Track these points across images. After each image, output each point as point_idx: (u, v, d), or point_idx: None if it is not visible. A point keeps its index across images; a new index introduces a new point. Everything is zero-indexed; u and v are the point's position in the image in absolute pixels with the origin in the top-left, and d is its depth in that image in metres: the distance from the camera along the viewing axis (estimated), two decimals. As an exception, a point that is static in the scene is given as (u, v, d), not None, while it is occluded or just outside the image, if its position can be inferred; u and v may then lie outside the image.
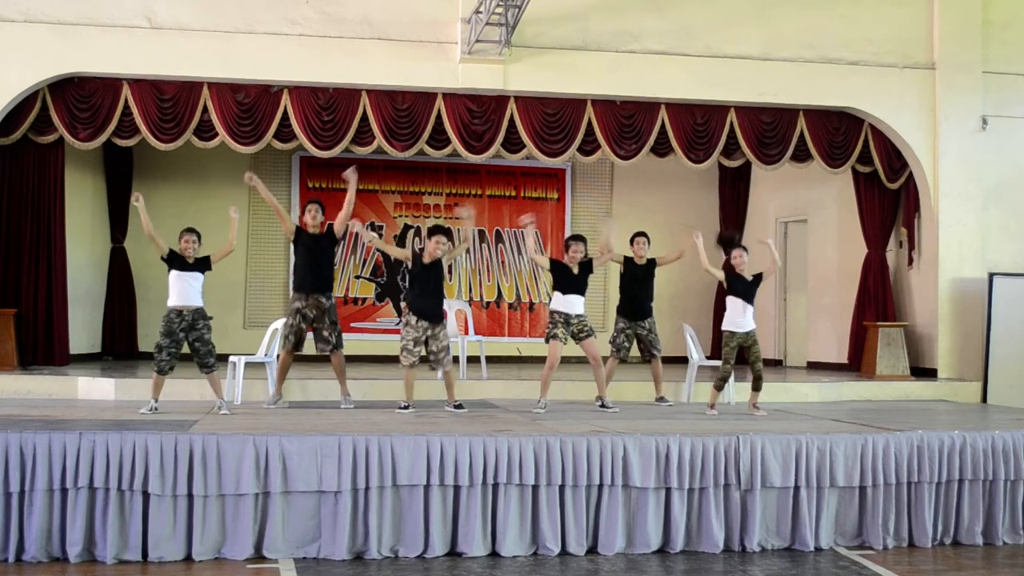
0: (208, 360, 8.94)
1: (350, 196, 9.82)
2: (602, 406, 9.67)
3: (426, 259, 9.13)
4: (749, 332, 9.55)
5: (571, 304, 9.68)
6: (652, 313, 10.51)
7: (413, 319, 9.05)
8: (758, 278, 9.66)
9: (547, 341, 9.66)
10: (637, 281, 10.39)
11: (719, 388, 9.78)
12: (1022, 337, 12.55)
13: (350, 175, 9.68)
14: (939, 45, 12.97)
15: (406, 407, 9.07)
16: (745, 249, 9.73)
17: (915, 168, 13.09)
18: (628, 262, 10.41)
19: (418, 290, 9.15)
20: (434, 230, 9.33)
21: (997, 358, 12.54)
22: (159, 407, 8.78)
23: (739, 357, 9.71)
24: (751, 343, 9.55)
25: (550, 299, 10.04)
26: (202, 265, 9.05)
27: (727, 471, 7.37)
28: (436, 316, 9.11)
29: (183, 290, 8.87)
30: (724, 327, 9.68)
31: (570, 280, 9.68)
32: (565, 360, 15.45)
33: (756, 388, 9.66)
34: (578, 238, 9.83)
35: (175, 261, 8.93)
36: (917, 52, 13.02)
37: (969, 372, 12.71)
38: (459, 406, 9.23)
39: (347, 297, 15.45)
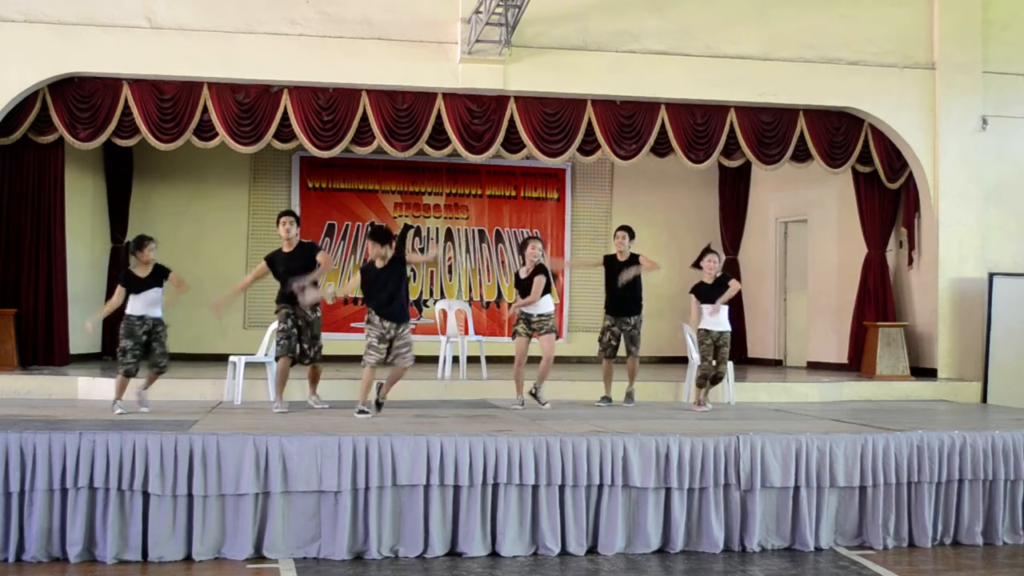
0: (161, 361, 9.10)
1: (350, 286, 9.96)
2: (533, 395, 9.86)
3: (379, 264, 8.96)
4: (722, 332, 9.86)
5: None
6: (640, 311, 10.36)
7: (376, 319, 8.95)
8: (720, 281, 9.97)
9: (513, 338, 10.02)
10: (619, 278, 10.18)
11: (700, 385, 10.03)
12: (1022, 337, 12.55)
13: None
14: (939, 45, 12.97)
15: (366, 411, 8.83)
16: (716, 254, 10.13)
17: (915, 168, 13.09)
18: (610, 260, 10.36)
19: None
20: (374, 235, 8.99)
21: (997, 358, 12.53)
22: (123, 409, 8.79)
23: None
24: (722, 344, 9.85)
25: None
26: (159, 276, 9.10)
27: (727, 471, 7.37)
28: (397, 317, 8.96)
29: (144, 303, 9.00)
30: (699, 326, 10.02)
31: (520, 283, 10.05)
32: (565, 360, 15.55)
33: (713, 383, 10.09)
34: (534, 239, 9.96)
35: (130, 284, 8.97)
36: (917, 52, 13.02)
37: (969, 372, 12.71)
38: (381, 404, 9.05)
39: (347, 297, 15.43)
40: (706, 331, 9.87)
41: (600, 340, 10.36)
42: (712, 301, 9.81)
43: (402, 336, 8.93)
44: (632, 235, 10.27)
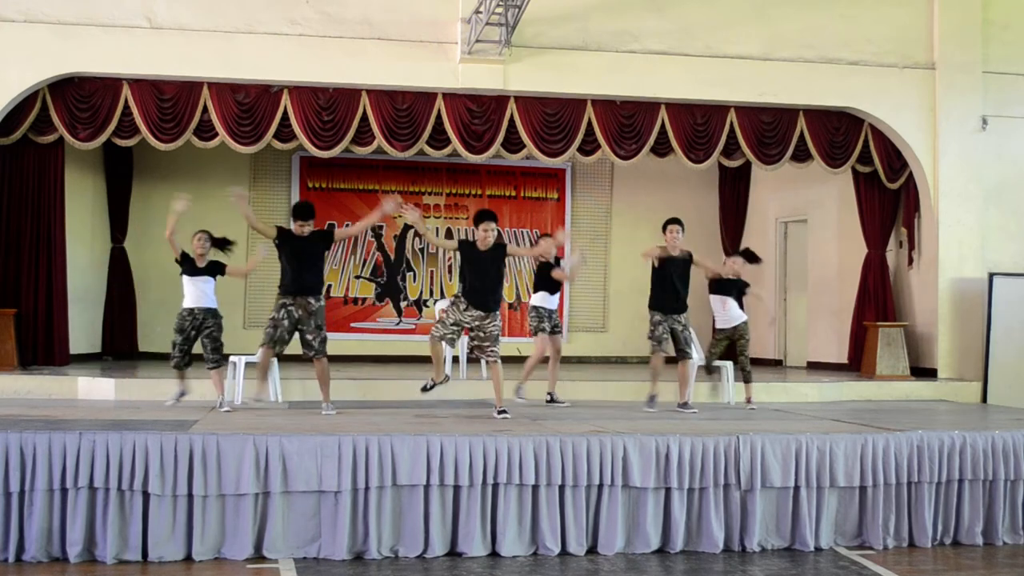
0: (213, 357, 9.25)
1: (366, 223, 9.76)
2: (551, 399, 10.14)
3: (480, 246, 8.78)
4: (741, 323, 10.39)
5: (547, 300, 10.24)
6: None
7: (463, 304, 8.71)
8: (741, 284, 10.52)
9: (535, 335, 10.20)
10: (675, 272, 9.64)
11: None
12: (1022, 337, 12.55)
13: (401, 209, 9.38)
14: (939, 45, 12.97)
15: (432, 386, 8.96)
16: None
17: (915, 168, 13.10)
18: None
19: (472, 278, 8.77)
20: (482, 216, 8.83)
21: (997, 358, 12.54)
22: (184, 396, 9.39)
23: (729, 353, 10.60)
24: (737, 337, 10.43)
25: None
26: (214, 269, 9.34)
27: (727, 471, 7.37)
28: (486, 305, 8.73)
29: (194, 293, 9.28)
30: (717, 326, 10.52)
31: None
32: (565, 360, 15.54)
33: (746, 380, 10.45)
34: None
35: (186, 265, 9.27)
36: (917, 52, 13.02)
37: (969, 372, 12.71)
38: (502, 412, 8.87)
39: (347, 297, 15.46)
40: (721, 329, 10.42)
41: (652, 335, 9.59)
42: (737, 297, 10.30)
43: (486, 328, 8.69)
44: (683, 228, 9.66)
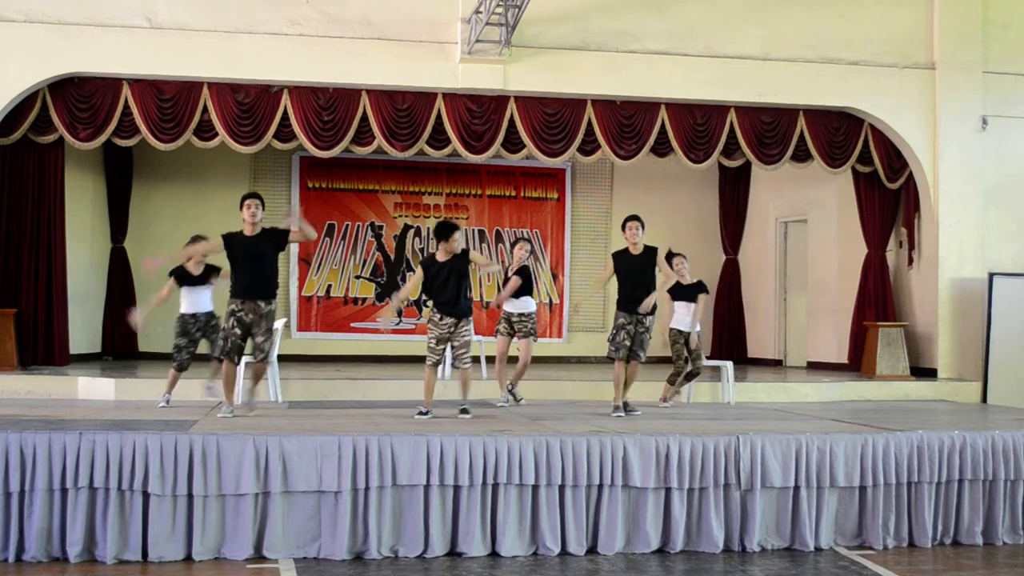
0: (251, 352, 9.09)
1: (307, 232, 9.22)
2: (510, 391, 10.13)
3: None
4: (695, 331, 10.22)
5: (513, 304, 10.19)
6: (655, 310, 9.51)
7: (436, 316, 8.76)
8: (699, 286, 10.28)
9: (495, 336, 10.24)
10: (634, 270, 9.31)
11: (671, 382, 10.34)
12: (1022, 337, 12.55)
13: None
14: (939, 45, 12.97)
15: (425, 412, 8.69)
16: (684, 257, 10.21)
17: (915, 168, 13.10)
18: (619, 255, 9.43)
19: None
20: (448, 229, 8.75)
21: (997, 358, 12.54)
22: (170, 401, 9.33)
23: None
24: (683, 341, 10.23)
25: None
26: (209, 273, 9.48)
27: (727, 471, 7.37)
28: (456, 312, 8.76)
29: (192, 300, 9.46)
30: (671, 325, 10.28)
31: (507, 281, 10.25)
32: (565, 360, 15.56)
33: (688, 379, 10.44)
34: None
35: (182, 278, 9.40)
36: (917, 52, 13.02)
37: (969, 372, 12.71)
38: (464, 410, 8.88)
39: (347, 297, 15.46)
40: (678, 331, 10.14)
41: (612, 340, 9.26)
42: (689, 301, 10.09)
43: (461, 335, 8.74)
44: (643, 225, 9.32)
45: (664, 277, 9.40)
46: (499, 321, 10.25)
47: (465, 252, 8.80)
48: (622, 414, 9.10)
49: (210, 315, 9.48)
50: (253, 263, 8.61)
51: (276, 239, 8.74)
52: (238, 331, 8.61)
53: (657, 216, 15.67)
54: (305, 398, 10.34)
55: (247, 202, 8.68)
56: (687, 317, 10.14)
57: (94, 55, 11.47)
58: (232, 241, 8.70)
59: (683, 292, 10.09)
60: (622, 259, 9.29)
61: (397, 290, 15.09)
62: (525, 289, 10.14)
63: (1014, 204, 13.13)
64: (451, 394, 10.82)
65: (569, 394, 10.78)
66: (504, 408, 9.71)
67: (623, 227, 9.36)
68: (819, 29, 12.78)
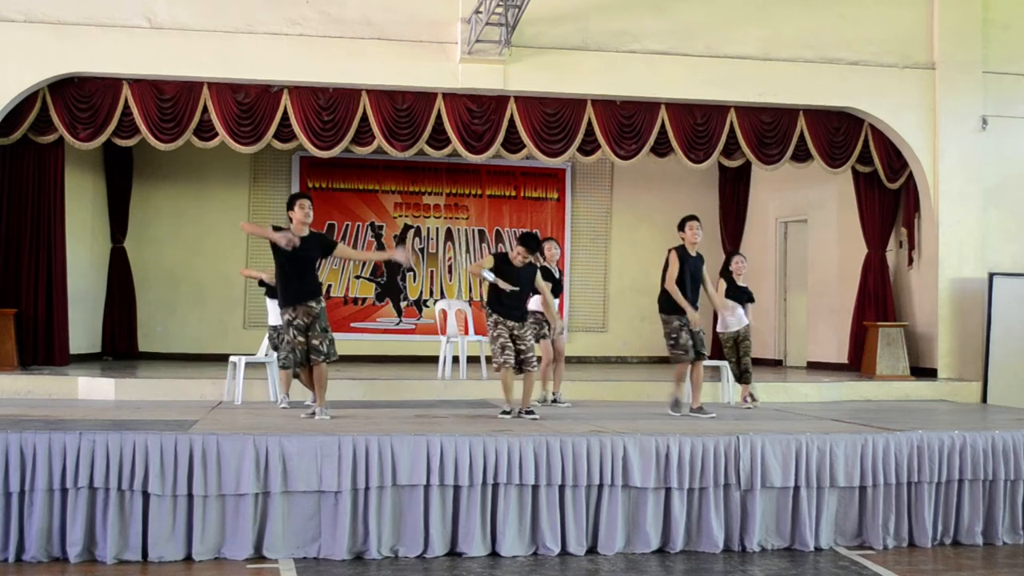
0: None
1: (371, 255, 9.66)
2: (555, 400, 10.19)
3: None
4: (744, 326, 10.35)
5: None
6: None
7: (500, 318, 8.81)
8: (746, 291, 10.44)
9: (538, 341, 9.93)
10: (694, 272, 9.20)
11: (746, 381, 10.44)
12: (1022, 337, 12.55)
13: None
14: (939, 45, 12.97)
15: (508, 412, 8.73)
16: (743, 257, 10.49)
17: (915, 168, 13.10)
18: (683, 253, 9.20)
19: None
20: (535, 242, 8.94)
21: (997, 358, 12.54)
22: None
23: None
24: (742, 339, 10.35)
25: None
26: None
27: (727, 471, 7.36)
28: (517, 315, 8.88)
29: (277, 313, 9.28)
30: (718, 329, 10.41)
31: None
32: (565, 360, 15.52)
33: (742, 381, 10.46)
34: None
35: (268, 288, 9.54)
36: (917, 52, 13.02)
37: (969, 372, 12.71)
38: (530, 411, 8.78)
39: (347, 297, 15.46)
40: (728, 332, 10.29)
41: (676, 343, 9.09)
42: (741, 302, 10.22)
43: (524, 338, 8.82)
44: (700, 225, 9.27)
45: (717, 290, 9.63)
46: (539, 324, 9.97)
47: (538, 269, 8.94)
48: (678, 413, 9.16)
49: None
50: (304, 266, 8.36)
51: (325, 246, 8.66)
52: (301, 339, 8.32)
53: (657, 216, 15.76)
54: (305, 398, 10.31)
55: (300, 201, 8.34)
56: (735, 317, 10.28)
57: (94, 55, 11.47)
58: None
59: (737, 293, 10.25)
60: (686, 257, 9.15)
61: (404, 288, 15.27)
62: (553, 290, 10.01)
63: (1014, 204, 13.13)
64: (450, 394, 10.87)
65: (569, 394, 10.76)
66: (565, 407, 9.87)
67: (682, 226, 9.23)
68: (819, 29, 12.78)
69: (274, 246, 8.25)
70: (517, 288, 8.73)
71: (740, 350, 10.29)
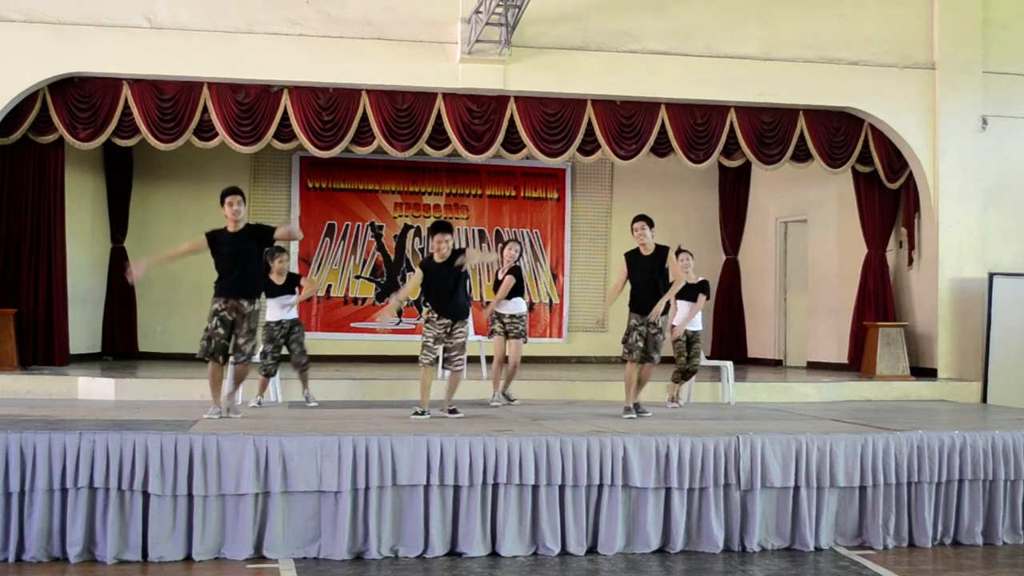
0: (302, 360, 9.82)
1: (295, 232, 9.68)
2: (504, 394, 10.26)
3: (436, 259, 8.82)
4: (695, 331, 10.30)
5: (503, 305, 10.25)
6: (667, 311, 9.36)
7: (434, 316, 8.85)
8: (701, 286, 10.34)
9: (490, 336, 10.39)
10: (646, 271, 9.13)
11: (676, 380, 10.33)
12: (1022, 337, 12.55)
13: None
14: (939, 45, 12.97)
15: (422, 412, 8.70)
16: (690, 255, 10.27)
17: (915, 168, 13.10)
18: (632, 255, 9.27)
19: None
20: (435, 228, 8.87)
21: (997, 358, 12.54)
22: (261, 403, 9.78)
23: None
24: (695, 341, 10.28)
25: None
26: (292, 282, 9.88)
27: (727, 471, 7.37)
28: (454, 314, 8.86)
29: (279, 309, 9.78)
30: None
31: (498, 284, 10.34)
32: (564, 360, 15.55)
33: (685, 378, 10.41)
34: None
35: (268, 288, 9.55)
36: (917, 52, 13.02)
37: (969, 372, 12.71)
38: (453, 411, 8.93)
39: (347, 297, 15.46)
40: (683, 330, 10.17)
41: (625, 342, 9.08)
42: (691, 300, 10.09)
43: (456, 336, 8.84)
44: (651, 224, 9.13)
45: (675, 279, 9.13)
46: (491, 322, 10.30)
47: (458, 252, 8.84)
48: (634, 415, 8.97)
49: (294, 322, 9.81)
50: (236, 260, 8.28)
51: (261, 236, 8.42)
52: (221, 331, 8.24)
53: (657, 216, 15.48)
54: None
55: (228, 199, 8.35)
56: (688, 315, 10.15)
57: (94, 55, 11.47)
58: (215, 237, 8.35)
59: (686, 291, 9.96)
60: (634, 259, 9.15)
61: (397, 290, 15.10)
62: (516, 290, 10.18)
63: (1014, 204, 13.13)
64: (455, 394, 10.84)
65: (569, 394, 10.78)
66: (498, 407, 9.78)
67: (631, 228, 9.18)
68: (819, 29, 12.78)
69: (211, 241, 8.33)
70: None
71: (691, 351, 10.20)
